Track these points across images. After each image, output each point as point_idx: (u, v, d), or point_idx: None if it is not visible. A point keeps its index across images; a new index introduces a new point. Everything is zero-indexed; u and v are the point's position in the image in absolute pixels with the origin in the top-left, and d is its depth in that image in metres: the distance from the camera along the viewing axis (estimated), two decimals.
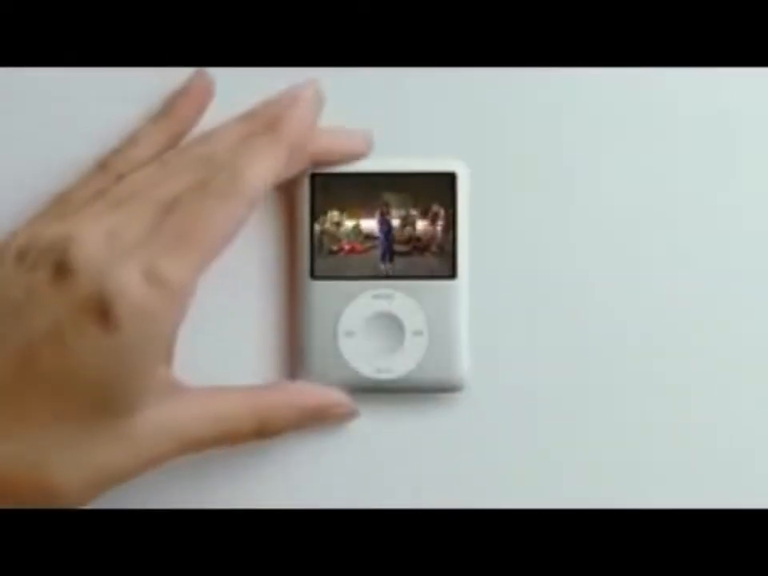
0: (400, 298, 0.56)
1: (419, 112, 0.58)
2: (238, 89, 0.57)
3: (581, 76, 0.58)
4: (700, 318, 0.58)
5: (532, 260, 0.58)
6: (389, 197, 0.57)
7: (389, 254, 0.57)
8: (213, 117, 0.58)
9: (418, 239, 0.57)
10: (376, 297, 0.57)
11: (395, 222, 0.57)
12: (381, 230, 0.57)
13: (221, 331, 0.58)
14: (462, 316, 0.57)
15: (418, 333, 0.56)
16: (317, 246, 0.57)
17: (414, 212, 0.57)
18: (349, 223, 0.57)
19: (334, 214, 0.57)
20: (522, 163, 0.58)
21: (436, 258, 0.57)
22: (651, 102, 0.58)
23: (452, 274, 0.57)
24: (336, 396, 0.56)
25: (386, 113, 0.58)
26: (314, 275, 0.57)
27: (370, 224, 0.57)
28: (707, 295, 0.58)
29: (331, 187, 0.57)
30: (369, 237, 0.57)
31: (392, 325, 0.57)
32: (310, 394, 0.55)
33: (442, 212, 0.57)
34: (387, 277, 0.57)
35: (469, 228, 0.57)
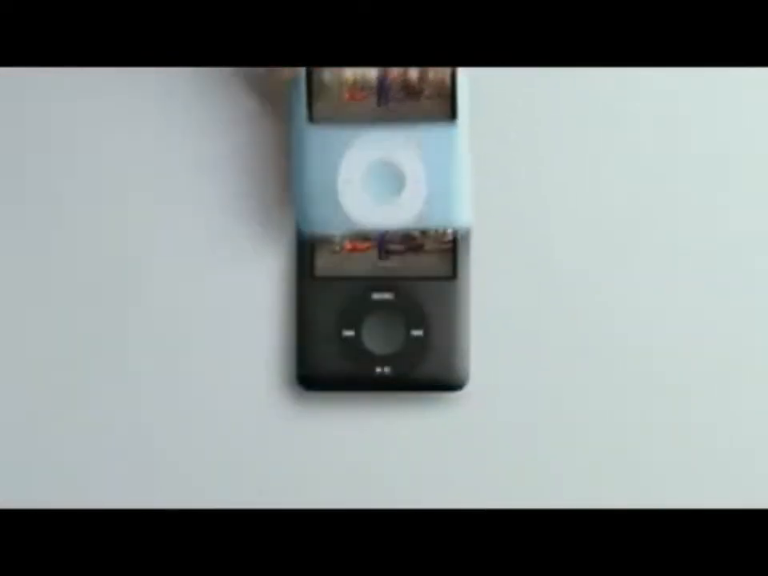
0: (400, 298, 0.56)
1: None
2: (238, 89, 0.57)
3: (581, 76, 0.58)
4: (701, 319, 0.58)
5: (533, 260, 0.58)
6: None
7: (386, 252, 0.56)
8: (213, 116, 0.58)
9: (416, 238, 0.56)
10: (376, 296, 0.56)
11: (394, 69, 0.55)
12: (379, 80, 0.55)
13: (222, 332, 0.58)
14: (462, 316, 0.57)
15: (417, 332, 0.56)
16: (317, 246, 0.56)
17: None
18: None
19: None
20: (522, 163, 0.58)
21: (436, 259, 0.56)
22: (651, 101, 0.58)
23: (452, 274, 0.57)
24: None
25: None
26: (313, 276, 0.57)
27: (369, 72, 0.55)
28: (708, 295, 0.58)
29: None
30: (366, 87, 0.55)
31: (392, 324, 0.56)
32: None
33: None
34: (387, 277, 0.56)
35: (469, 228, 0.57)
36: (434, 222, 0.54)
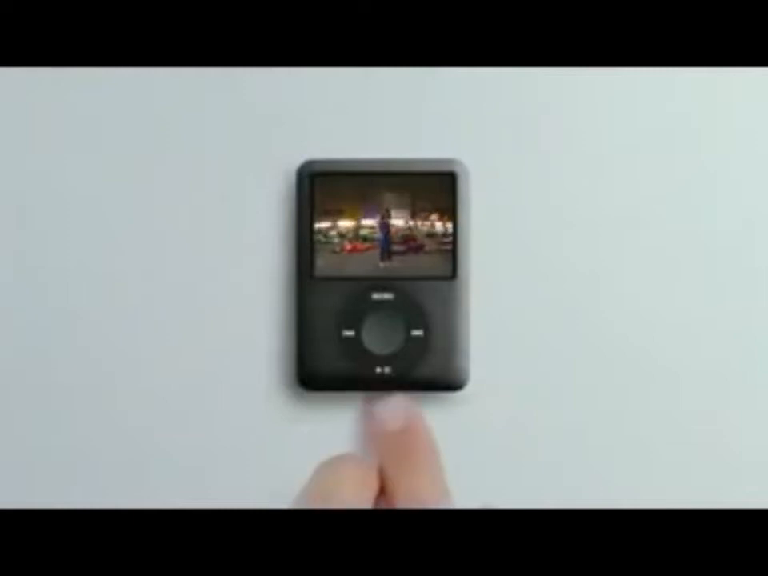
0: (400, 298, 0.57)
1: (419, 112, 0.58)
2: (238, 89, 0.57)
3: (581, 76, 0.58)
4: (702, 319, 0.58)
5: (532, 260, 0.58)
6: (389, 197, 0.57)
7: (388, 253, 0.57)
8: (213, 116, 0.58)
9: (417, 239, 0.57)
10: (376, 296, 0.57)
11: (395, 222, 0.57)
12: (381, 230, 0.57)
13: (222, 332, 0.58)
14: (462, 316, 0.57)
15: (417, 332, 0.56)
16: (317, 246, 0.57)
17: (414, 212, 0.57)
18: (348, 223, 0.57)
19: (333, 214, 0.57)
20: (522, 163, 0.58)
21: (436, 259, 0.57)
22: (651, 101, 0.58)
23: (452, 274, 0.57)
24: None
25: (387, 113, 0.58)
26: (313, 276, 0.57)
27: (369, 224, 0.57)
28: (709, 295, 0.58)
29: (331, 187, 0.57)
30: (368, 238, 0.57)
31: (392, 324, 0.57)
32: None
33: (441, 213, 0.57)
34: (387, 278, 0.57)
35: (469, 228, 0.57)
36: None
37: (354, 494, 0.54)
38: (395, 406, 0.56)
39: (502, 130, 0.58)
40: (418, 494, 0.55)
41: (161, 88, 0.58)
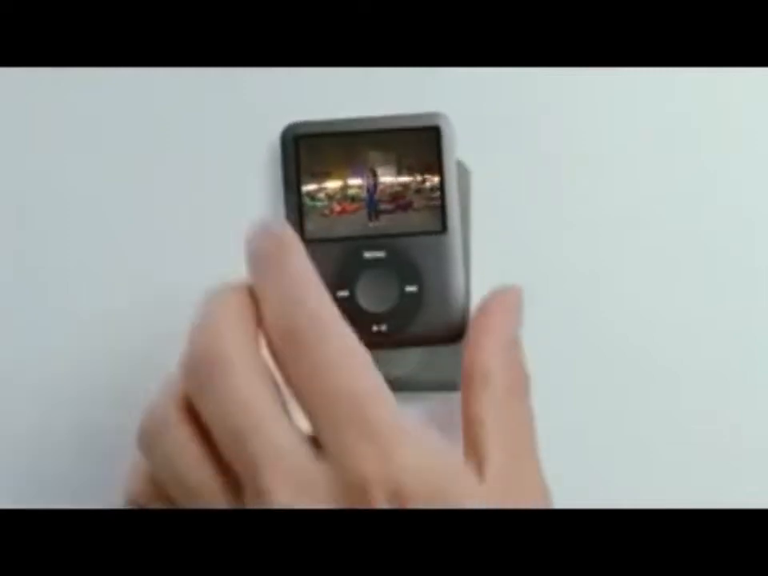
0: (392, 256, 0.56)
1: (419, 112, 0.58)
2: (238, 89, 0.58)
3: (581, 76, 0.58)
4: (701, 317, 0.58)
5: (532, 260, 0.58)
6: (374, 155, 0.56)
7: (376, 212, 0.56)
8: (213, 116, 0.58)
9: (405, 196, 0.56)
10: (368, 255, 0.56)
11: (382, 180, 0.56)
12: (368, 189, 0.56)
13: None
14: (455, 269, 0.56)
15: (411, 288, 0.56)
16: (305, 210, 0.56)
17: (400, 169, 0.56)
18: (336, 184, 0.56)
19: (320, 176, 0.56)
20: (522, 163, 0.58)
21: (425, 214, 0.56)
22: (651, 101, 0.58)
23: (442, 228, 0.56)
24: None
25: (386, 112, 0.58)
26: (303, 239, 0.56)
27: (357, 183, 0.56)
28: (710, 296, 0.58)
29: (316, 148, 0.56)
30: (356, 198, 0.56)
31: (386, 282, 0.56)
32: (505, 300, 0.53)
33: (428, 168, 0.56)
34: (377, 236, 0.56)
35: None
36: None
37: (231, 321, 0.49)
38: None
39: (501, 130, 0.59)
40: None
41: (161, 88, 0.58)
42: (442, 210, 0.56)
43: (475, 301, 0.58)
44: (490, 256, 0.58)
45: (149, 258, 0.58)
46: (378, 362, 0.56)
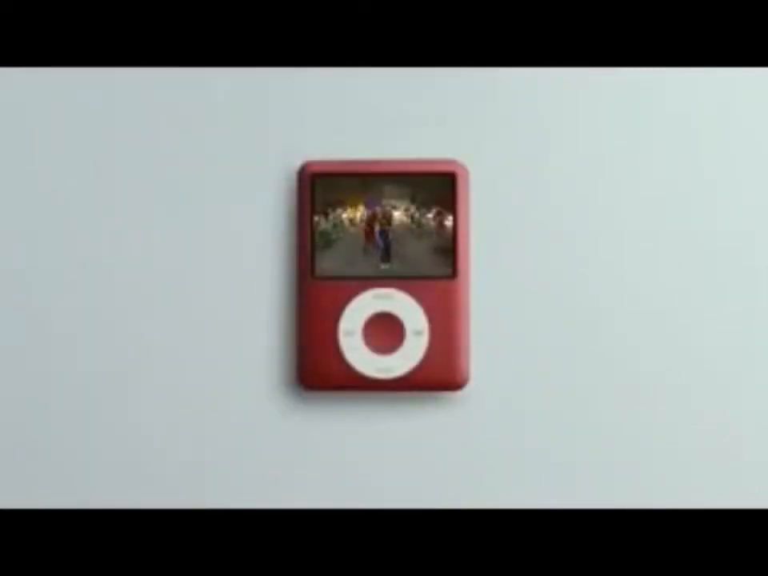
0: (400, 299, 0.57)
1: (419, 112, 0.58)
2: (237, 89, 0.57)
3: (580, 76, 0.58)
4: (702, 319, 0.58)
5: (532, 260, 0.58)
6: (389, 198, 0.57)
7: (387, 254, 0.57)
8: (214, 116, 0.58)
9: (417, 239, 0.57)
10: (376, 297, 0.57)
11: (395, 223, 0.57)
12: (381, 234, 0.57)
13: (223, 331, 0.58)
14: (462, 315, 0.57)
15: (417, 333, 0.57)
16: (318, 245, 0.57)
17: (414, 212, 0.57)
18: (348, 224, 0.57)
19: (335, 214, 0.57)
20: (522, 163, 0.58)
21: (436, 259, 0.57)
22: (651, 101, 0.58)
23: (452, 274, 0.57)
24: None
25: (386, 113, 0.58)
26: (314, 275, 0.57)
27: (369, 223, 0.57)
28: (708, 294, 0.58)
29: (331, 189, 0.57)
30: (368, 239, 0.57)
31: (392, 325, 0.57)
32: None
33: (442, 212, 0.57)
34: (388, 277, 0.57)
35: (469, 228, 0.57)
36: (432, 374, 0.56)
37: None
38: None
39: (501, 129, 0.59)
40: None
41: (161, 88, 0.58)
42: (453, 255, 0.57)
43: (476, 300, 0.58)
44: (490, 256, 0.58)
45: (150, 258, 0.58)
46: (377, 362, 0.57)
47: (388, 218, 0.57)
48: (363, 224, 0.57)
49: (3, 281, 0.59)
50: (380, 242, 0.57)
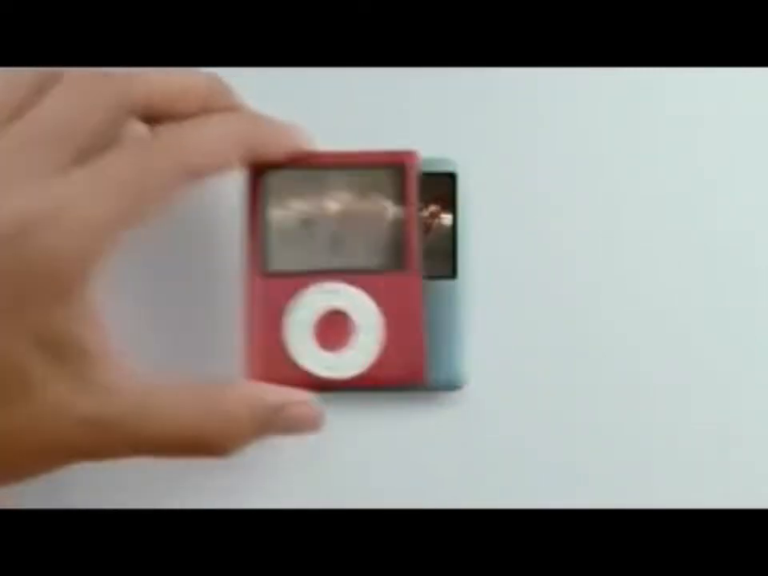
0: (349, 293, 0.55)
1: (419, 112, 0.58)
2: (238, 89, 0.57)
3: (581, 76, 0.58)
4: (701, 320, 0.58)
5: (531, 260, 0.58)
6: (338, 190, 0.55)
7: (337, 247, 0.55)
8: None
9: (368, 231, 0.56)
10: (325, 292, 0.55)
11: (345, 214, 0.55)
12: (329, 223, 0.56)
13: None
14: (462, 316, 0.57)
15: (369, 329, 0.55)
16: (267, 239, 0.55)
17: (365, 204, 0.56)
18: (299, 210, 0.55)
19: (284, 206, 0.55)
20: (522, 163, 0.58)
21: (435, 259, 0.57)
22: (651, 102, 0.58)
23: (452, 274, 0.57)
24: (299, 395, 0.53)
25: (386, 113, 0.58)
26: (264, 270, 0.55)
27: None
28: (709, 295, 0.58)
29: (281, 179, 0.55)
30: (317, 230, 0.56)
31: (342, 321, 0.55)
32: (268, 391, 0.52)
33: (441, 212, 0.57)
34: (336, 271, 0.55)
35: (469, 228, 0.57)
36: (432, 374, 0.55)
37: None
38: None
39: (501, 130, 0.59)
40: None
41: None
42: (453, 255, 0.56)
43: (476, 300, 0.58)
44: (489, 256, 0.58)
45: (150, 258, 0.58)
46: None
47: (336, 210, 0.55)
48: (312, 216, 0.55)
49: None
50: (328, 235, 0.55)
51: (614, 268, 0.58)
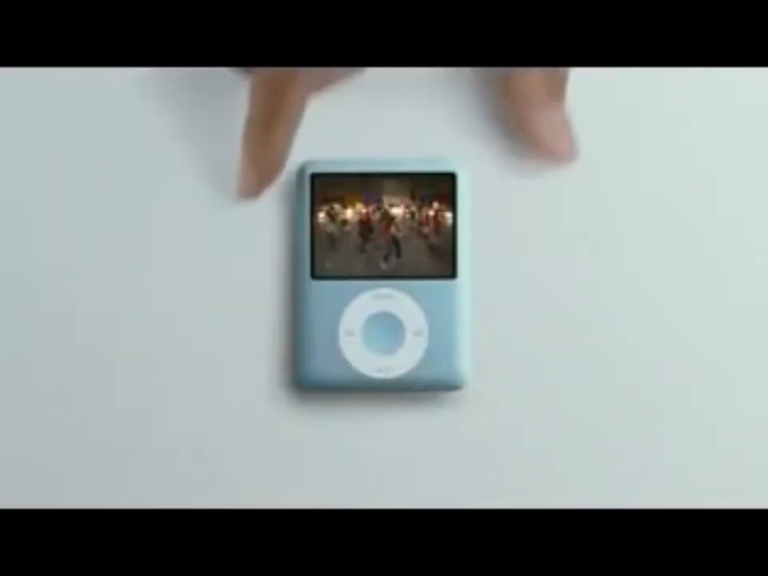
0: (400, 299, 0.57)
1: (419, 112, 0.58)
2: (236, 89, 0.57)
3: (582, 76, 0.58)
4: (700, 319, 0.58)
5: (532, 260, 0.58)
6: (389, 197, 0.57)
7: (387, 254, 0.57)
8: (212, 116, 0.58)
9: (417, 239, 0.57)
10: (376, 297, 0.57)
11: (395, 223, 0.57)
12: (381, 232, 0.57)
13: (224, 333, 0.58)
14: (462, 315, 0.57)
15: (417, 333, 0.57)
16: (317, 245, 0.57)
17: (414, 212, 0.57)
18: (348, 224, 0.57)
19: (334, 211, 0.57)
20: (522, 163, 0.58)
21: (436, 259, 0.57)
22: (651, 102, 0.58)
23: (452, 274, 0.57)
24: None
25: (387, 112, 0.58)
26: (314, 275, 0.57)
27: (369, 223, 0.57)
28: (708, 296, 0.58)
29: (331, 187, 0.57)
30: (368, 239, 0.57)
31: (392, 325, 0.57)
32: None
33: (441, 212, 0.57)
34: (388, 276, 0.57)
35: (469, 228, 0.57)
36: (432, 374, 0.56)
37: None
38: None
39: (501, 129, 0.58)
40: None
41: (160, 88, 0.58)
42: (453, 255, 0.57)
43: (476, 301, 0.58)
44: (489, 255, 0.58)
45: (149, 258, 0.58)
46: (377, 362, 0.57)
47: (388, 217, 0.57)
48: (363, 222, 0.57)
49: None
50: (384, 241, 0.57)
51: (615, 267, 0.58)
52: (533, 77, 0.56)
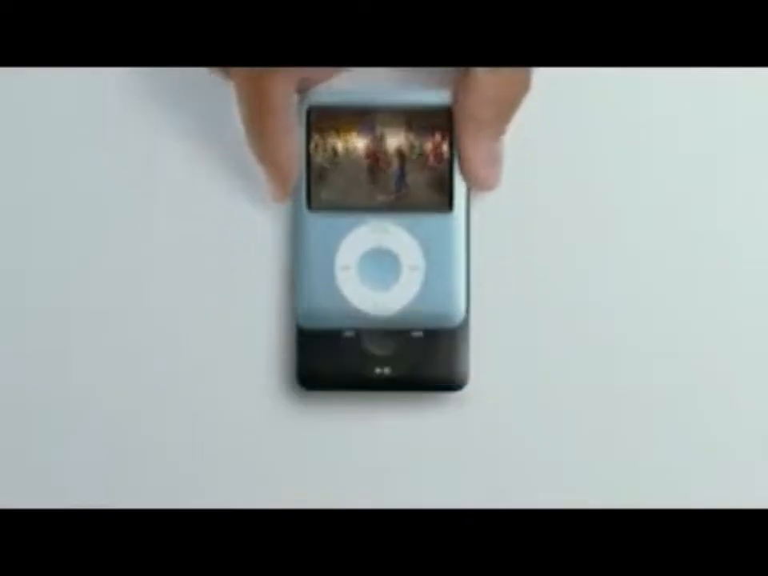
0: (396, 233, 0.56)
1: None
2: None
3: (582, 76, 0.58)
4: (700, 317, 0.58)
5: (532, 259, 0.58)
6: (385, 129, 0.56)
7: (384, 187, 0.56)
8: (211, 117, 0.58)
9: (413, 172, 0.56)
10: (372, 230, 0.56)
11: (390, 157, 0.56)
12: (375, 165, 0.56)
13: (224, 333, 0.58)
14: (459, 249, 0.56)
15: (414, 268, 0.56)
16: (313, 176, 0.56)
17: (412, 145, 0.56)
18: (346, 149, 0.56)
19: (330, 142, 0.56)
20: (522, 162, 0.58)
21: (432, 193, 0.56)
22: (651, 102, 0.58)
23: (449, 207, 0.56)
24: None
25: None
26: (311, 206, 0.56)
27: (367, 154, 0.56)
28: (708, 295, 0.58)
29: (328, 119, 0.56)
30: (365, 170, 0.56)
31: (388, 260, 0.56)
32: None
33: (439, 145, 0.56)
34: (384, 209, 0.56)
35: (469, 228, 0.57)
36: (429, 309, 0.56)
37: None
38: None
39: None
40: None
41: (160, 87, 0.58)
42: (449, 188, 0.56)
43: (476, 301, 0.58)
44: (489, 255, 0.58)
45: (149, 255, 0.58)
46: (378, 363, 0.57)
47: (383, 149, 0.56)
48: (362, 154, 0.56)
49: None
50: (382, 174, 0.56)
51: (616, 268, 0.58)
52: (486, 101, 0.55)
